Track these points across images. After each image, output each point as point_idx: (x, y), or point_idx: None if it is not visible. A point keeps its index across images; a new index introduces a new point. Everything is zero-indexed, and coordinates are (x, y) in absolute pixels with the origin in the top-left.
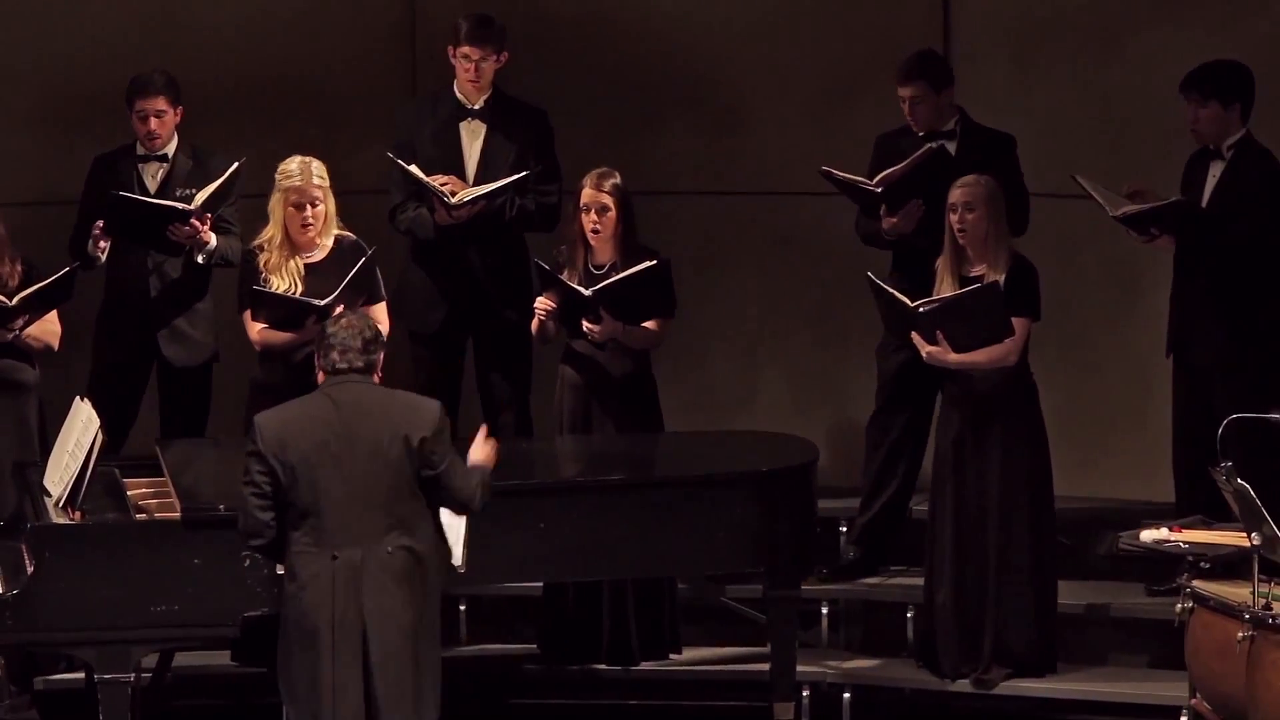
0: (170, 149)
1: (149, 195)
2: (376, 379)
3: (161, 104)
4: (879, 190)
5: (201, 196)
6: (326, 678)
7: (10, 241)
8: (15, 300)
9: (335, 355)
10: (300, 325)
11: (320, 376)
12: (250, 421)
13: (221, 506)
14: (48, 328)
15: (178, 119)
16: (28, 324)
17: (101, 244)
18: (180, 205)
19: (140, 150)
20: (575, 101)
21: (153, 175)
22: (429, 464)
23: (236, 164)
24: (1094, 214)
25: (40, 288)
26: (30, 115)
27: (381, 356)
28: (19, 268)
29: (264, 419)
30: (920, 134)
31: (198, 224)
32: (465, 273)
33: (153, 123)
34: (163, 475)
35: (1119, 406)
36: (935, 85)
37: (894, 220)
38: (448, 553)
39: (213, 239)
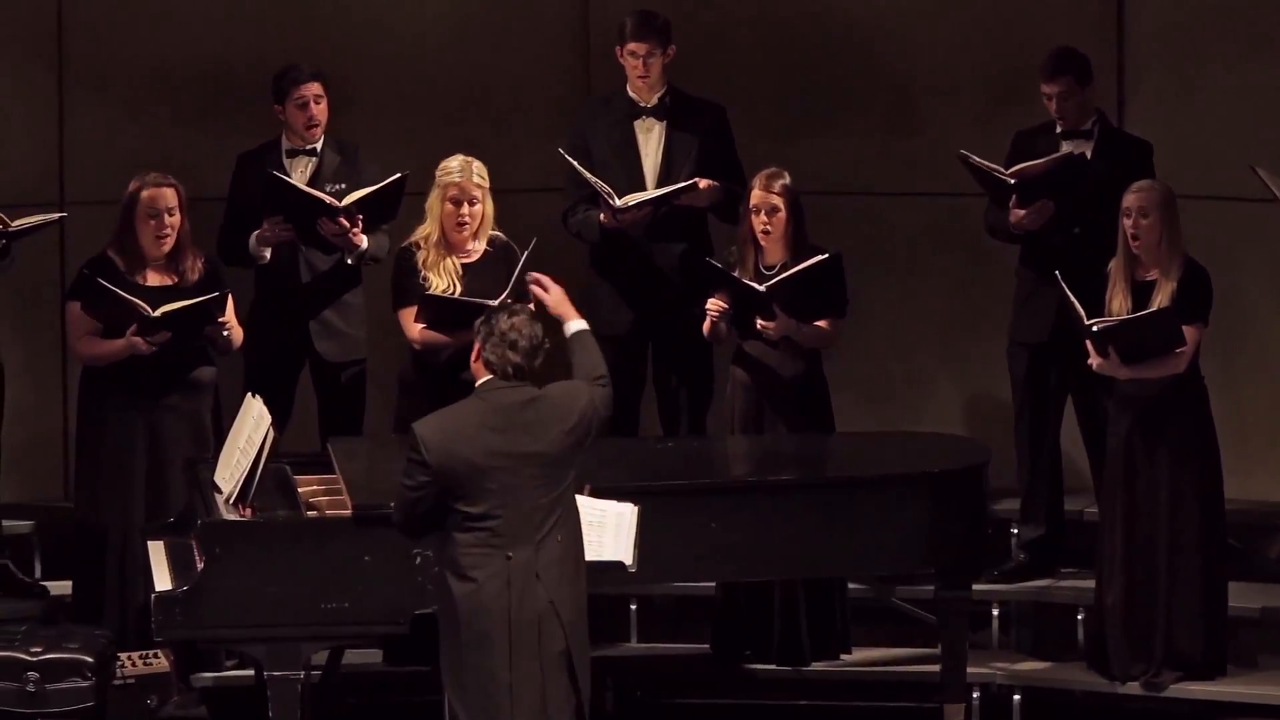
0: (318, 144)
1: None
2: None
3: (318, 88)
4: (1012, 181)
5: (353, 196)
6: (503, 678)
7: (192, 236)
8: (158, 312)
9: (508, 353)
10: (468, 325)
11: (478, 368)
12: (400, 418)
13: (392, 503)
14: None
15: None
16: (173, 342)
17: (265, 252)
18: (330, 200)
19: (287, 145)
20: (744, 101)
21: (301, 170)
22: (580, 444)
23: (400, 175)
24: (1258, 215)
25: (187, 305)
26: (178, 113)
27: (540, 362)
28: (200, 263)
29: (426, 428)
30: (1061, 132)
31: (346, 223)
32: (650, 274)
33: (313, 108)
34: (334, 472)
35: None
36: (1080, 81)
37: (1021, 215)
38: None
39: (364, 241)
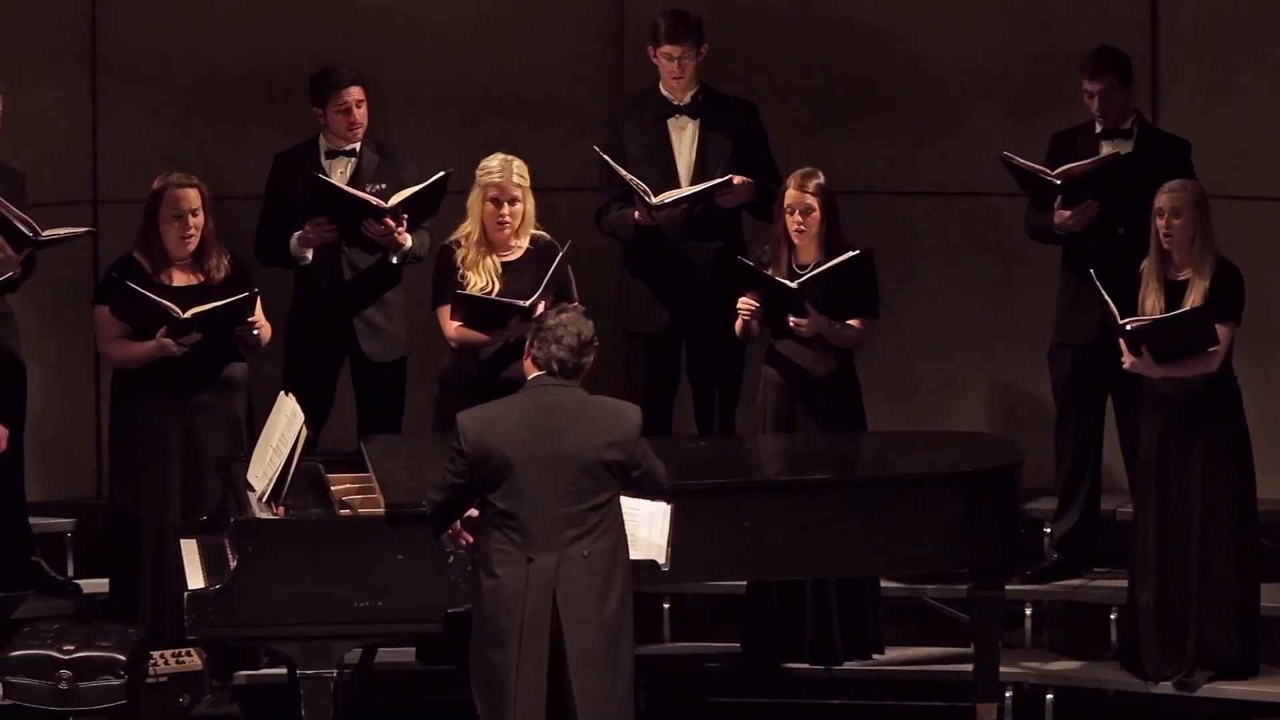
0: (357, 145)
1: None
2: (579, 379)
3: (359, 93)
4: (1058, 182)
5: (399, 197)
6: (511, 677)
7: (217, 234)
8: (189, 313)
9: (553, 348)
10: (503, 325)
11: (528, 365)
12: (441, 416)
13: (425, 503)
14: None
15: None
16: (203, 342)
17: (307, 253)
18: (377, 201)
19: (326, 145)
20: (777, 100)
21: (340, 171)
22: (634, 467)
23: (443, 173)
24: None
25: (218, 306)
26: (212, 112)
27: (591, 361)
28: (226, 261)
29: (468, 418)
30: (1100, 131)
31: (391, 223)
32: (684, 272)
33: (355, 113)
34: (367, 470)
35: None
36: (1122, 80)
37: (1066, 215)
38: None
39: (408, 240)
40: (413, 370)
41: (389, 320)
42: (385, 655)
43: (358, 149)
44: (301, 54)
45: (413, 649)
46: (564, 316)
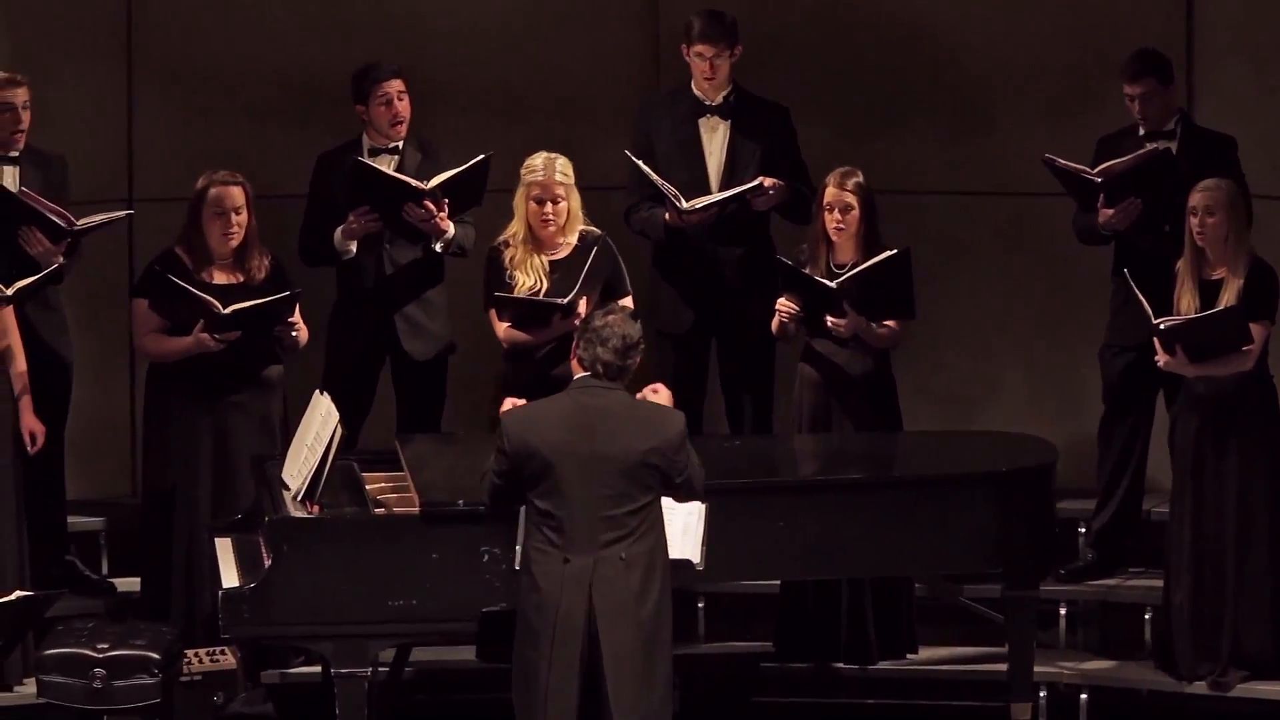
0: (399, 143)
1: None
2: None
3: (400, 85)
4: (1099, 180)
5: (439, 179)
6: (543, 677)
7: (261, 234)
8: (229, 309)
9: (598, 350)
10: (547, 323)
11: (574, 364)
12: (495, 419)
13: (460, 502)
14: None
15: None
16: (241, 341)
17: (351, 246)
18: (415, 182)
19: (369, 144)
20: (814, 100)
21: (383, 169)
22: (675, 473)
23: (483, 156)
24: None
25: (259, 304)
26: (246, 110)
27: (636, 364)
28: (267, 261)
29: (511, 418)
30: (1144, 133)
31: (433, 207)
32: (712, 272)
33: (397, 105)
34: (401, 469)
35: None
36: (1163, 81)
37: (1109, 214)
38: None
39: (450, 227)
40: (456, 369)
41: (431, 319)
42: (439, 653)
43: (400, 146)
44: (337, 51)
45: (471, 647)
46: (611, 318)
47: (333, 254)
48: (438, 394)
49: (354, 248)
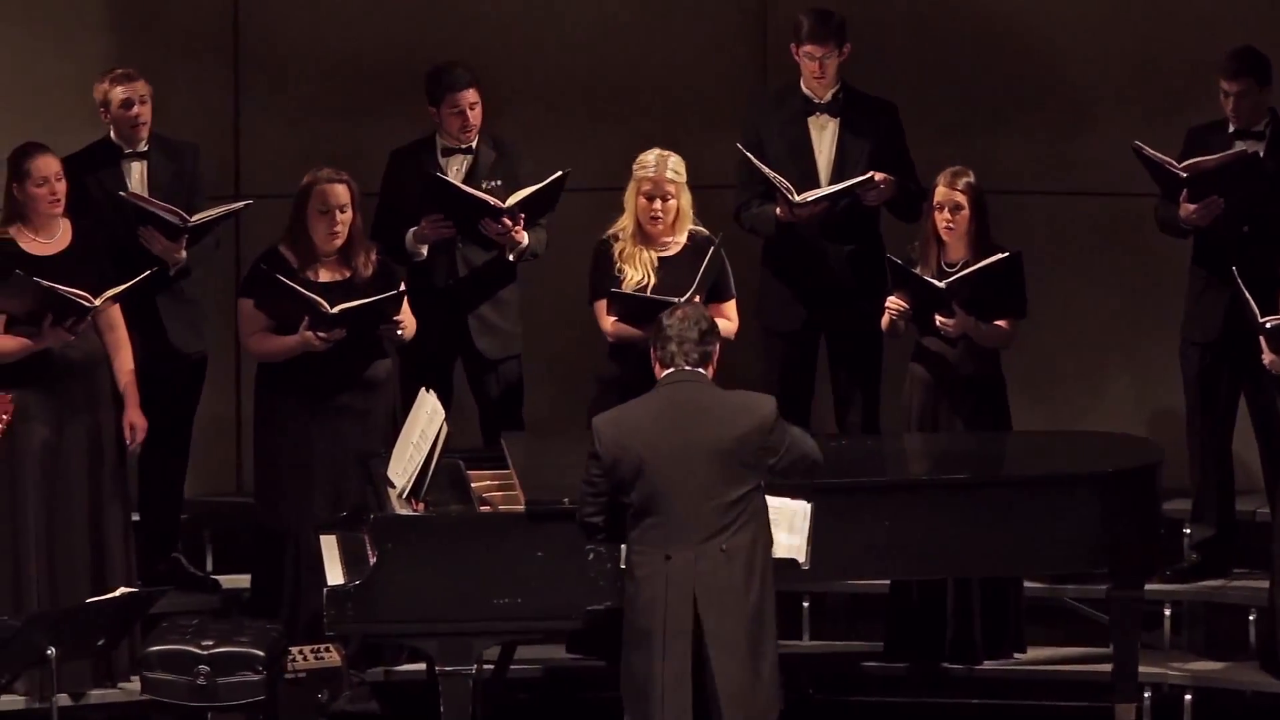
0: (473, 141)
1: None
2: (710, 371)
3: (474, 96)
4: (1184, 175)
5: (517, 197)
6: (656, 678)
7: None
8: (336, 309)
9: (673, 348)
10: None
11: (656, 368)
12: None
13: (565, 500)
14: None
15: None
16: (347, 339)
17: (423, 249)
18: (495, 201)
19: (442, 142)
20: (919, 100)
21: (456, 168)
22: (771, 455)
23: (560, 173)
24: None
25: (365, 303)
26: (352, 108)
27: (717, 349)
28: (374, 258)
29: (603, 421)
30: (1233, 130)
31: (509, 222)
32: (822, 269)
33: (469, 115)
34: (507, 468)
35: None
36: (1260, 81)
37: (1190, 209)
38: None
39: (525, 238)
40: (530, 368)
41: (503, 318)
42: (534, 650)
43: (474, 145)
44: (446, 50)
45: (563, 644)
46: (678, 314)
47: (403, 255)
48: (515, 392)
49: (425, 251)
